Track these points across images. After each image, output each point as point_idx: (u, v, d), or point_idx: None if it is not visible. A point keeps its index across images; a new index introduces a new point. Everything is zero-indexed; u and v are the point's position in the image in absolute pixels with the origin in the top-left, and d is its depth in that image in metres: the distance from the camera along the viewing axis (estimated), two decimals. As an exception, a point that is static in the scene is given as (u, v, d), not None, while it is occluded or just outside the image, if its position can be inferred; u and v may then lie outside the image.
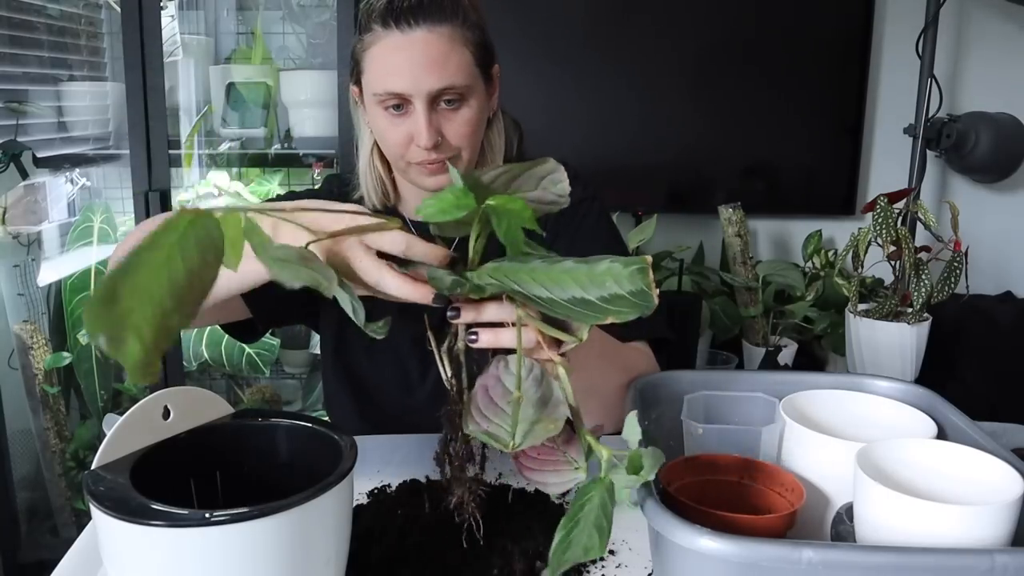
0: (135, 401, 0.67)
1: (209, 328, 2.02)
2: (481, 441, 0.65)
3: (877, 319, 1.37)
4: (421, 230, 1.10)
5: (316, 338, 1.80)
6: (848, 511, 0.67)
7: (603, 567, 0.76)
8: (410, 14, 0.94)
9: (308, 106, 2.02)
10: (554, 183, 0.64)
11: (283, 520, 0.56)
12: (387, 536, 0.79)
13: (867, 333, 1.38)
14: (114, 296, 0.40)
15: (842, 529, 0.68)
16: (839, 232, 2.28)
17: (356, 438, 0.66)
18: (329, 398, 1.20)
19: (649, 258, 0.56)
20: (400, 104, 0.96)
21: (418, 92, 0.95)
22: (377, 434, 1.05)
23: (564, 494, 0.88)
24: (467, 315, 0.65)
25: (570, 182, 1.10)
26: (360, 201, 1.13)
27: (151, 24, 1.73)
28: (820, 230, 2.22)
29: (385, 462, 0.97)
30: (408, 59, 0.94)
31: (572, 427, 0.65)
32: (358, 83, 1.03)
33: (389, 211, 1.12)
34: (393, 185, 1.12)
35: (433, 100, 0.96)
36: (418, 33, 0.94)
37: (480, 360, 0.68)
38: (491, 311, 0.65)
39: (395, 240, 0.68)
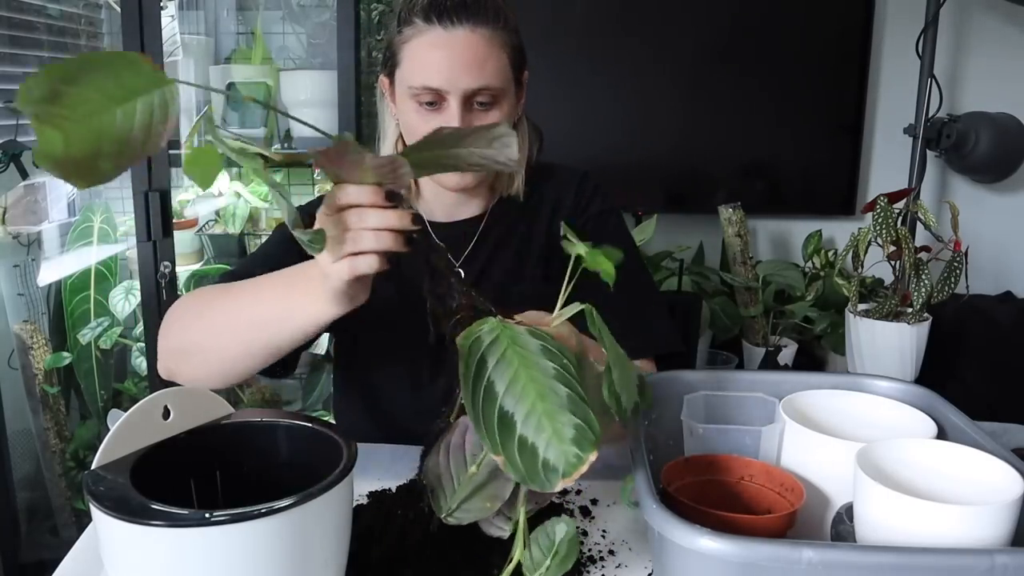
0: (135, 401, 0.67)
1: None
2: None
3: (877, 319, 1.37)
4: (440, 229, 1.11)
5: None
6: (848, 511, 0.67)
7: (603, 567, 0.76)
8: (454, 12, 0.95)
9: (308, 106, 2.02)
10: (504, 146, 0.64)
11: (283, 520, 0.56)
12: (387, 536, 0.79)
13: (867, 333, 1.38)
14: (58, 94, 0.41)
15: (842, 529, 0.68)
16: (839, 232, 2.28)
17: (360, 446, 0.66)
18: (339, 402, 1.20)
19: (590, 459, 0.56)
20: (434, 100, 0.97)
21: (455, 90, 0.96)
22: (386, 438, 1.06)
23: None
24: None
25: (592, 193, 1.14)
26: None
27: (151, 24, 1.73)
28: (820, 230, 2.22)
29: (384, 469, 0.96)
30: (448, 56, 0.95)
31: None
32: (391, 75, 1.03)
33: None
34: (416, 182, 1.13)
35: (468, 99, 0.97)
36: (460, 32, 0.95)
37: None
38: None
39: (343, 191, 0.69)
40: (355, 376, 1.15)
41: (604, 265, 0.62)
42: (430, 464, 0.68)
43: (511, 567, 0.62)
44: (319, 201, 1.16)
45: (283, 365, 1.05)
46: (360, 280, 0.74)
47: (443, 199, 1.12)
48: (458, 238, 1.12)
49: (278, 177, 2.21)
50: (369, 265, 0.70)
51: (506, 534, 0.66)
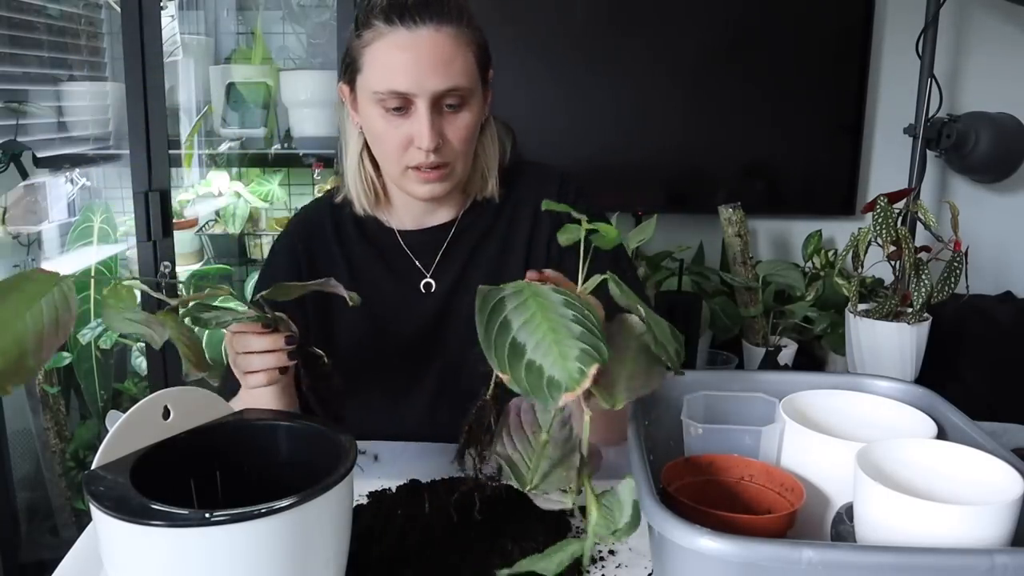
0: (135, 401, 0.67)
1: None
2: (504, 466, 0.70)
3: (877, 319, 1.37)
4: (410, 238, 1.09)
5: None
6: (848, 511, 0.67)
7: (603, 567, 0.76)
8: (416, 11, 0.92)
9: (308, 106, 2.02)
10: None
11: (283, 520, 0.56)
12: (387, 536, 0.79)
13: (867, 333, 1.38)
14: None
15: (842, 529, 0.68)
16: (839, 232, 2.28)
17: (360, 445, 0.66)
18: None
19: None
20: (401, 105, 0.94)
21: (423, 92, 0.93)
22: (383, 437, 1.05)
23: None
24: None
25: (576, 196, 1.10)
26: (345, 205, 1.10)
27: (151, 24, 1.73)
28: (820, 230, 2.22)
29: (384, 469, 0.97)
30: (414, 57, 0.92)
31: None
32: (351, 82, 1.00)
33: (373, 221, 1.10)
34: (384, 190, 1.09)
35: (436, 101, 0.94)
36: (424, 31, 0.92)
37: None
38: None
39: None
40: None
41: (610, 234, 0.70)
42: (498, 449, 0.74)
43: (593, 522, 0.63)
44: (291, 233, 1.14)
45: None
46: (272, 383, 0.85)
47: (412, 207, 1.09)
48: (428, 245, 1.09)
49: (278, 177, 2.21)
50: (259, 381, 0.84)
51: (564, 505, 0.69)
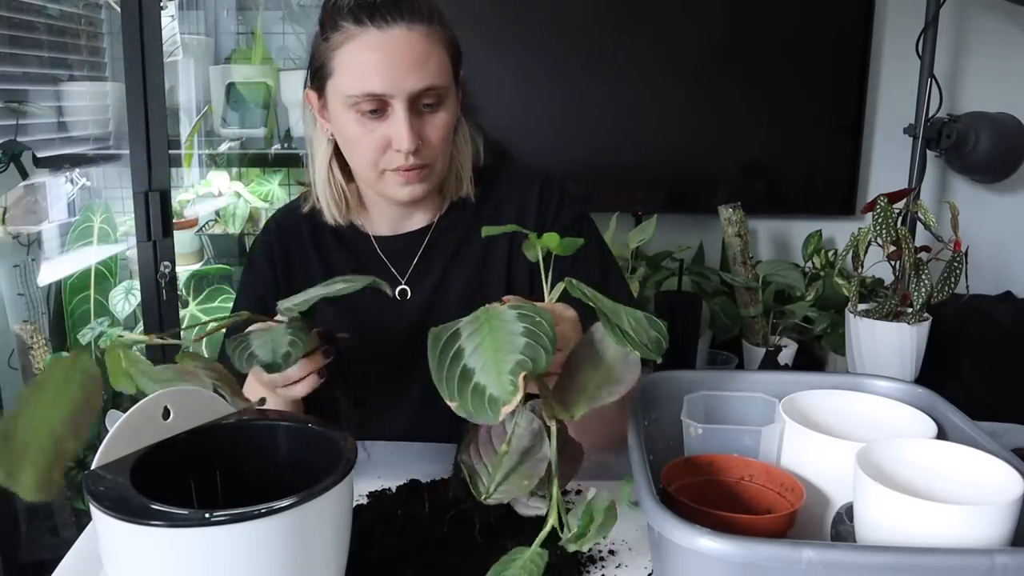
0: (135, 401, 0.67)
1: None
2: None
3: (877, 319, 1.37)
4: (386, 244, 1.08)
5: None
6: (848, 511, 0.67)
7: (603, 567, 0.76)
8: (386, 11, 0.89)
9: (308, 106, 2.02)
10: None
11: (283, 520, 0.56)
12: (387, 536, 0.79)
13: (867, 333, 1.38)
14: (9, 435, 0.49)
15: (842, 529, 0.68)
16: (839, 232, 2.28)
17: (359, 445, 0.67)
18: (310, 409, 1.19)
19: None
20: (377, 107, 0.91)
21: (400, 92, 0.90)
22: (380, 437, 1.05)
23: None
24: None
25: (560, 199, 1.10)
26: (314, 214, 1.07)
27: (151, 24, 1.73)
28: (820, 230, 2.22)
29: (384, 469, 0.96)
30: (388, 57, 0.89)
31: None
32: (320, 88, 0.97)
33: (350, 226, 1.08)
34: (358, 197, 1.06)
35: (413, 102, 0.92)
36: (396, 31, 0.90)
37: None
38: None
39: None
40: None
41: (569, 248, 0.71)
42: (463, 459, 0.73)
43: (544, 534, 0.64)
44: (268, 238, 1.11)
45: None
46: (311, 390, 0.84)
47: (388, 212, 1.07)
48: (404, 251, 1.07)
49: (278, 177, 2.21)
50: (299, 392, 0.83)
51: (542, 511, 0.69)
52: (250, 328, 0.78)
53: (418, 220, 1.08)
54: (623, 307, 0.67)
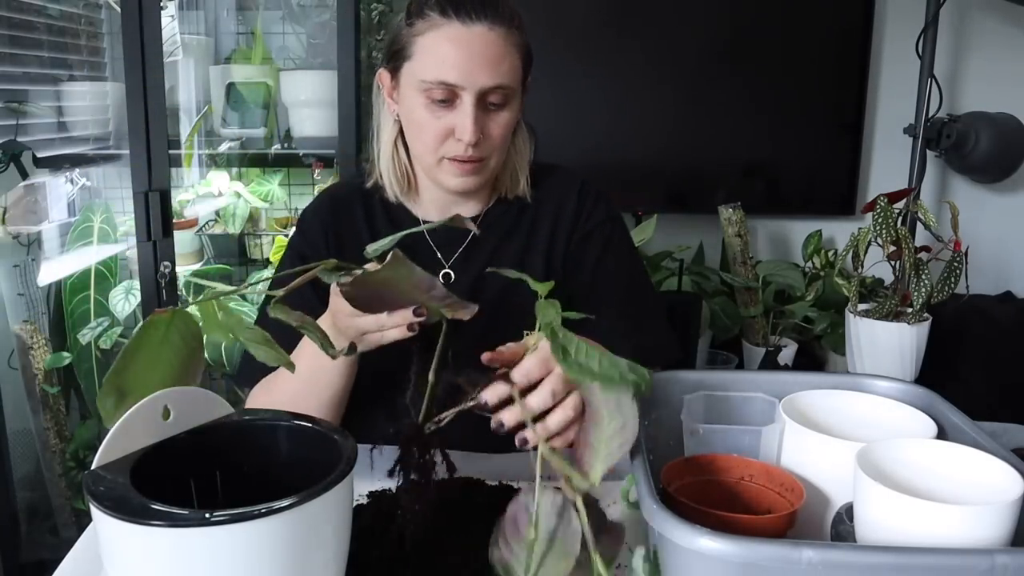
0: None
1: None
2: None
3: (877, 319, 1.37)
4: (432, 229, 1.10)
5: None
6: (848, 511, 0.67)
7: (603, 567, 0.76)
8: (472, 8, 0.94)
9: (308, 106, 2.02)
10: None
11: (283, 520, 0.55)
12: (387, 536, 0.79)
13: (867, 333, 1.38)
14: (121, 392, 0.52)
15: (842, 529, 0.68)
16: (839, 232, 2.28)
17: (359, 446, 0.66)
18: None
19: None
20: (447, 97, 0.96)
21: (471, 87, 0.95)
22: (375, 437, 1.05)
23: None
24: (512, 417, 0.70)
25: (596, 200, 1.13)
26: (375, 190, 1.11)
27: (151, 24, 1.73)
28: (820, 230, 2.23)
29: (384, 469, 0.96)
30: (467, 52, 0.94)
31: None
32: (396, 69, 1.01)
33: (401, 208, 1.12)
34: (415, 178, 1.11)
35: (481, 97, 0.96)
36: (479, 28, 0.95)
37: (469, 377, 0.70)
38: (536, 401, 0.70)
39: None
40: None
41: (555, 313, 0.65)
42: (494, 555, 0.70)
43: None
44: (320, 206, 1.14)
45: None
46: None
47: (439, 199, 1.11)
48: (452, 238, 1.10)
49: (278, 177, 2.21)
50: (378, 340, 0.80)
51: None
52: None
53: (467, 210, 1.12)
54: (601, 353, 0.66)
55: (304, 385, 0.95)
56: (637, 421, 0.65)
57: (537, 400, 0.70)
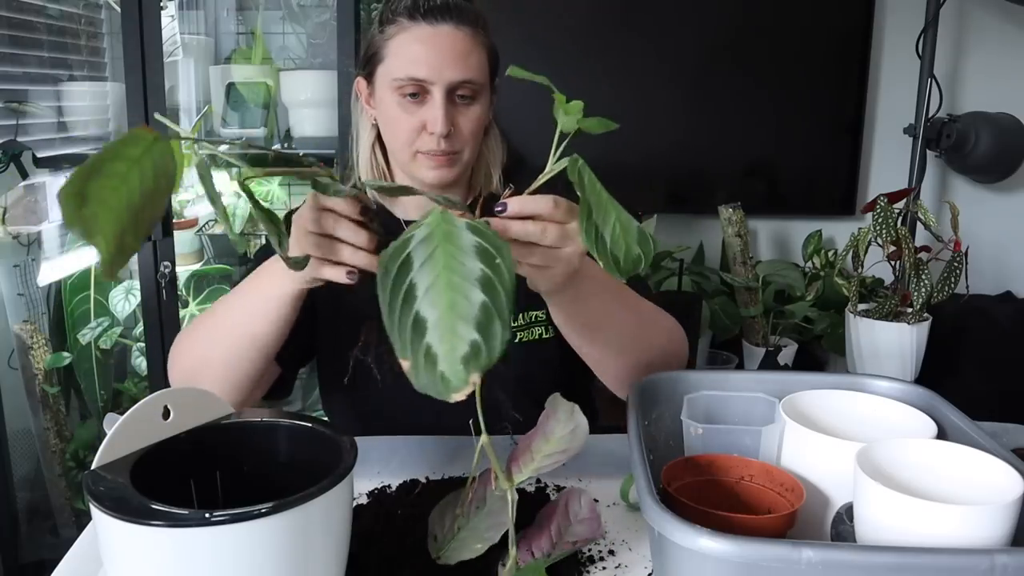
0: (135, 401, 0.67)
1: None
2: None
3: (877, 319, 1.37)
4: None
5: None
6: (848, 511, 0.67)
7: (603, 567, 0.76)
8: (437, 11, 1.00)
9: (308, 106, 2.02)
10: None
11: (283, 520, 0.56)
12: (387, 536, 0.79)
13: (867, 333, 1.38)
14: (83, 196, 0.46)
15: (842, 529, 0.68)
16: (839, 232, 2.28)
17: (357, 439, 0.67)
18: (326, 396, 1.21)
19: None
20: (417, 92, 1.00)
21: (440, 81, 0.99)
22: (373, 432, 1.05)
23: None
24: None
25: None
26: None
27: (151, 24, 1.73)
28: (820, 230, 2.23)
29: (385, 463, 0.97)
30: (434, 48, 0.99)
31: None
32: (370, 74, 1.05)
33: (382, 210, 1.13)
34: (393, 180, 1.13)
35: (451, 92, 1.00)
36: (445, 28, 1.00)
37: None
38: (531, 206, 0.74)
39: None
40: (336, 371, 1.14)
41: (597, 127, 0.68)
42: (432, 516, 0.76)
43: None
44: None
45: (282, 383, 1.13)
46: (348, 283, 0.79)
47: (419, 199, 1.12)
48: None
49: (278, 177, 2.21)
50: (337, 275, 0.78)
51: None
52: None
53: None
54: (618, 209, 0.66)
55: (226, 326, 0.95)
56: (587, 430, 0.68)
57: (519, 227, 0.73)
